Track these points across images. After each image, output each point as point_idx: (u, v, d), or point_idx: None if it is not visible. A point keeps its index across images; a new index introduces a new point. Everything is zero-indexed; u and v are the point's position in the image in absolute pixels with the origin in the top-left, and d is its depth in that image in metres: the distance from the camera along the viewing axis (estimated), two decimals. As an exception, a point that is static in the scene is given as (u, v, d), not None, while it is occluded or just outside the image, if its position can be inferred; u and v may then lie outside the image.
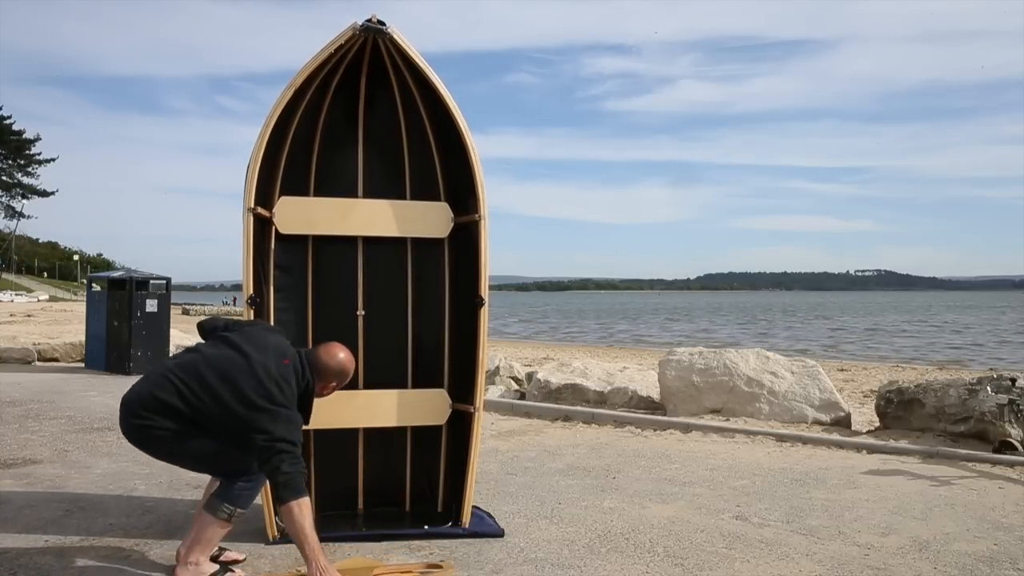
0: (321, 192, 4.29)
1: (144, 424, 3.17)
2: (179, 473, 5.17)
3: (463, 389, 4.24)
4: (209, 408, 3.15)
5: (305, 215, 4.17)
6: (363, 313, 4.39)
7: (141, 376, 3.37)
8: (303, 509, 3.10)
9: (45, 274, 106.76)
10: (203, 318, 3.73)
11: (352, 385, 4.26)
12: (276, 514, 3.84)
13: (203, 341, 3.50)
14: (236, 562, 3.50)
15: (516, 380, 9.83)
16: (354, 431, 4.36)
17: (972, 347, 28.37)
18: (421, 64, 3.96)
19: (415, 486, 4.45)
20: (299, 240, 4.26)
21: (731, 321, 51.70)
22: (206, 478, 3.61)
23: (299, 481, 3.11)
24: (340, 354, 3.44)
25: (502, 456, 6.00)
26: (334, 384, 3.47)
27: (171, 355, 3.40)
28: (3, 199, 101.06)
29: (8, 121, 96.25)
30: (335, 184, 4.33)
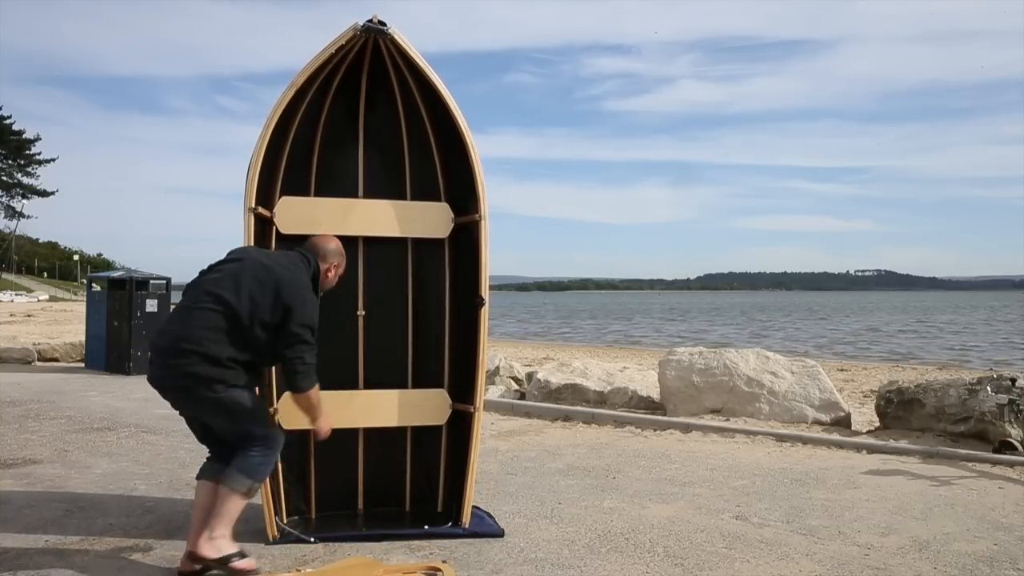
0: (322, 192, 4.30)
1: (186, 371, 3.23)
2: (179, 473, 5.19)
3: (463, 389, 4.24)
4: (247, 313, 3.29)
5: (306, 215, 4.17)
6: (363, 313, 4.39)
7: (165, 324, 3.45)
8: (316, 393, 3.43)
9: (45, 274, 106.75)
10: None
11: (352, 385, 4.27)
12: (276, 514, 3.84)
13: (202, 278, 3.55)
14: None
15: (516, 380, 9.84)
16: (354, 431, 4.36)
17: (969, 346, 28.39)
18: (422, 64, 3.97)
19: (415, 486, 4.45)
20: (300, 240, 4.26)
21: (726, 321, 51.67)
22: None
23: (315, 371, 3.40)
24: (330, 239, 3.73)
25: (502, 456, 6.00)
26: (335, 264, 3.70)
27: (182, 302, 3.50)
28: (3, 199, 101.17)
29: (8, 121, 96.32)
30: (336, 184, 4.33)
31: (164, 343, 3.33)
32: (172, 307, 13.12)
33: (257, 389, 3.57)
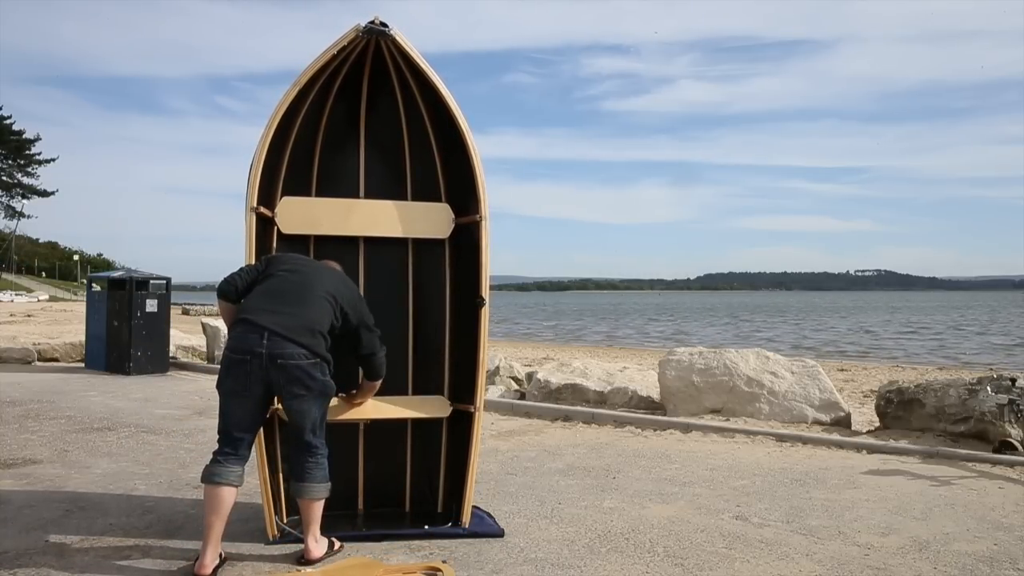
0: (323, 192, 4.30)
1: (314, 350, 3.48)
2: (179, 473, 5.19)
3: (463, 389, 4.24)
4: (344, 310, 3.66)
5: (307, 215, 4.17)
6: (363, 313, 4.39)
7: (265, 299, 3.56)
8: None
9: (44, 274, 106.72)
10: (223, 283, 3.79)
11: (353, 385, 4.26)
12: (276, 514, 3.85)
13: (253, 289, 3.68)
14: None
15: (516, 380, 9.84)
16: (354, 431, 4.37)
17: (968, 347, 28.44)
18: (423, 66, 3.97)
19: (415, 486, 4.45)
20: (301, 240, 4.26)
21: (712, 322, 51.67)
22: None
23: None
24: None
25: (502, 456, 6.00)
26: None
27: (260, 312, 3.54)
28: (3, 199, 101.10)
29: (8, 121, 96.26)
30: (337, 184, 4.34)
31: (289, 321, 3.46)
32: (174, 309, 13.09)
33: None
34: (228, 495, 3.38)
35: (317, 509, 3.61)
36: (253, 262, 3.77)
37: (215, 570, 3.37)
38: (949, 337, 33.73)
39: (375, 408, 4.21)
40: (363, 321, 3.77)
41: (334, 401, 3.90)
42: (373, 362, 3.89)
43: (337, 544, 3.76)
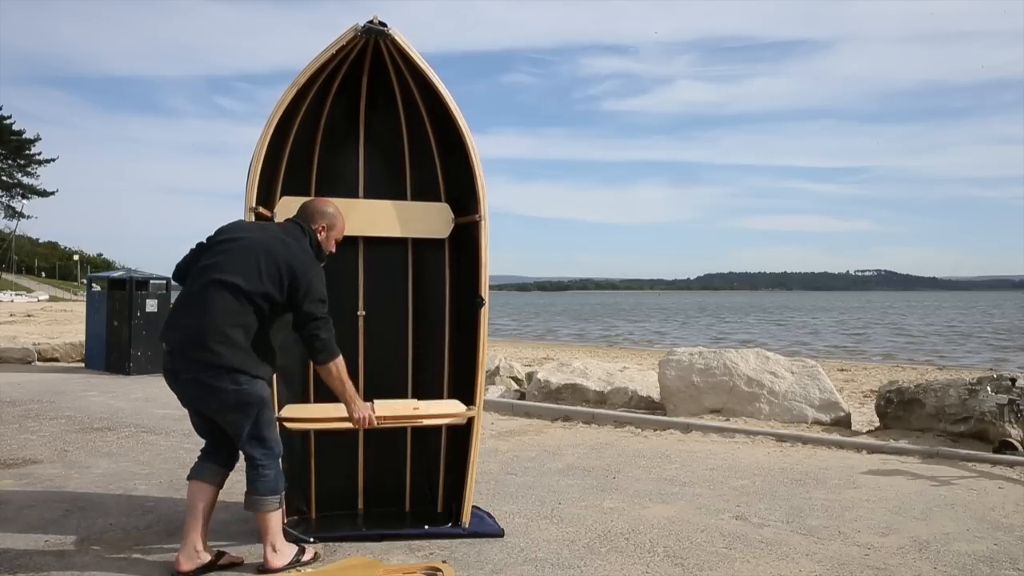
0: (322, 192, 4.29)
1: (211, 362, 3.22)
2: (179, 473, 5.18)
3: (463, 389, 4.24)
4: (258, 293, 3.29)
5: None
6: (363, 313, 4.39)
7: (176, 316, 3.39)
8: (339, 365, 3.45)
9: (44, 274, 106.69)
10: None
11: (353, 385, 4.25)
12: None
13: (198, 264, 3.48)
14: (236, 563, 3.51)
15: (516, 380, 9.84)
16: (355, 431, 4.36)
17: (965, 347, 28.46)
18: (422, 65, 3.97)
19: (415, 486, 4.45)
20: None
21: (694, 322, 51.73)
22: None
23: (334, 343, 3.43)
24: (325, 201, 3.74)
25: (502, 456, 6.00)
26: (325, 225, 3.62)
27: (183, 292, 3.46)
28: (3, 199, 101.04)
29: (8, 121, 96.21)
30: (336, 184, 4.33)
31: (183, 336, 3.29)
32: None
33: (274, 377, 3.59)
34: (197, 488, 3.41)
35: (268, 520, 3.41)
36: None
37: (198, 569, 3.36)
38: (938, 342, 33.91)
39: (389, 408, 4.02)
40: (308, 292, 3.35)
41: (330, 412, 3.77)
42: (308, 345, 3.41)
43: (311, 552, 3.60)
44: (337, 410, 3.68)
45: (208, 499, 3.42)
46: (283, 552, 3.46)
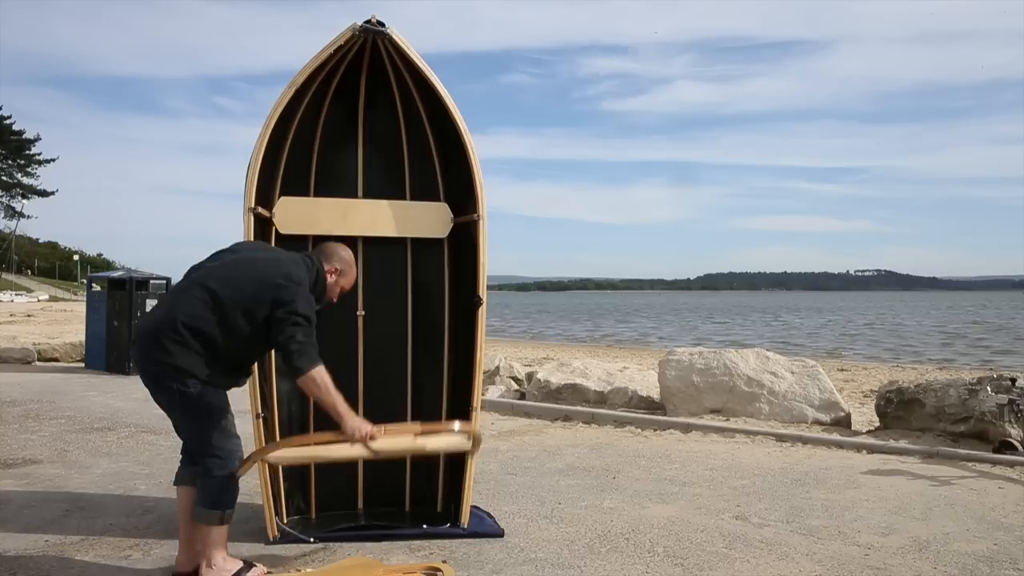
0: (321, 192, 4.30)
1: (161, 358, 3.11)
2: (179, 473, 5.18)
3: (462, 388, 4.24)
4: (232, 302, 3.13)
5: (305, 215, 4.17)
6: (363, 313, 4.39)
7: (155, 307, 3.36)
8: (323, 375, 3.13)
9: (44, 274, 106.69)
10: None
11: (352, 386, 4.26)
12: (276, 514, 3.84)
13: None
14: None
15: (516, 380, 9.83)
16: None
17: (963, 346, 28.50)
18: (421, 65, 3.97)
19: (415, 486, 4.45)
20: (299, 240, 4.26)
21: (683, 323, 51.82)
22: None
23: (313, 350, 3.13)
24: (343, 247, 3.58)
25: (502, 456, 6.00)
26: (337, 269, 3.48)
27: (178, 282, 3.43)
28: (3, 199, 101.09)
29: (8, 121, 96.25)
30: (335, 184, 4.33)
31: (145, 327, 3.26)
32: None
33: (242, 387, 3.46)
34: (183, 493, 3.36)
35: (207, 533, 3.20)
36: None
37: (196, 570, 3.26)
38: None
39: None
40: (288, 306, 3.13)
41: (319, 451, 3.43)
42: (283, 352, 3.15)
43: (258, 572, 3.31)
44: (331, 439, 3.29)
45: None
46: (218, 569, 3.21)
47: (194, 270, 3.34)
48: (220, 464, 3.22)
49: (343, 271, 3.53)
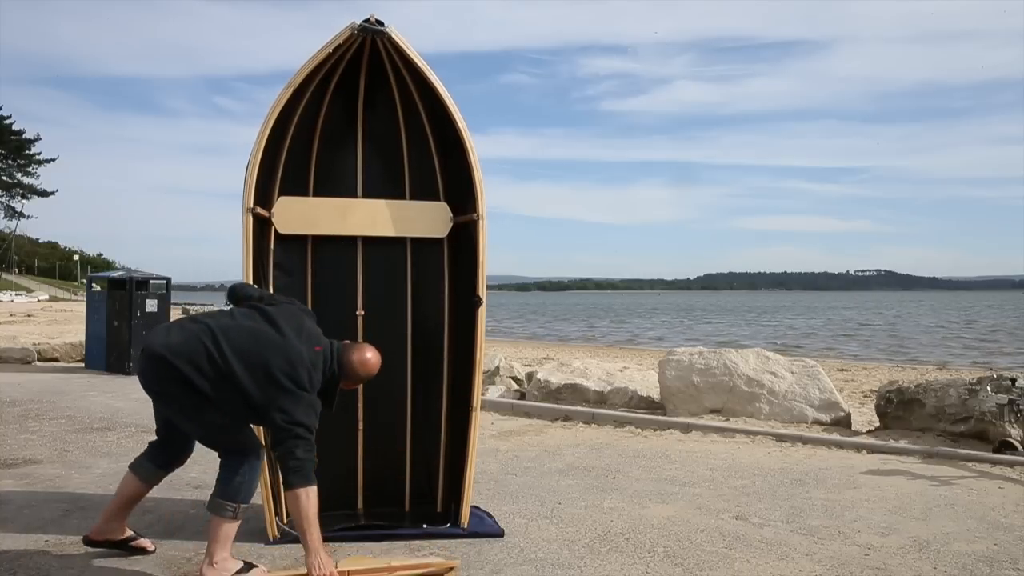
0: (320, 192, 4.30)
1: (167, 381, 3.12)
2: (179, 473, 5.15)
3: (462, 387, 4.24)
4: (233, 377, 3.11)
5: (304, 215, 4.17)
6: (363, 313, 4.39)
7: (168, 325, 3.33)
8: (310, 497, 3.10)
9: (44, 274, 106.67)
10: (236, 282, 3.67)
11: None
12: (276, 514, 3.84)
13: (234, 307, 3.45)
14: (144, 550, 3.59)
15: (516, 380, 9.83)
16: (354, 431, 4.36)
17: (965, 347, 28.50)
18: (420, 64, 3.97)
19: (415, 486, 4.45)
20: (298, 240, 4.26)
21: (674, 323, 51.86)
22: (208, 478, 3.60)
23: (310, 469, 3.11)
24: (368, 355, 3.44)
25: (502, 456, 6.00)
26: (351, 379, 3.46)
27: (199, 314, 3.36)
28: (3, 199, 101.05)
29: (8, 121, 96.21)
30: (334, 184, 4.33)
31: (155, 351, 3.15)
32: (174, 309, 13.15)
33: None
34: (130, 480, 3.52)
35: (216, 528, 3.19)
36: (251, 263, 3.76)
37: (107, 542, 3.48)
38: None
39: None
40: (286, 412, 3.10)
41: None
42: (280, 463, 3.14)
43: (259, 572, 3.30)
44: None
45: (136, 494, 3.50)
46: (220, 567, 3.19)
47: (224, 316, 3.29)
48: (246, 464, 3.25)
49: (354, 381, 3.49)
